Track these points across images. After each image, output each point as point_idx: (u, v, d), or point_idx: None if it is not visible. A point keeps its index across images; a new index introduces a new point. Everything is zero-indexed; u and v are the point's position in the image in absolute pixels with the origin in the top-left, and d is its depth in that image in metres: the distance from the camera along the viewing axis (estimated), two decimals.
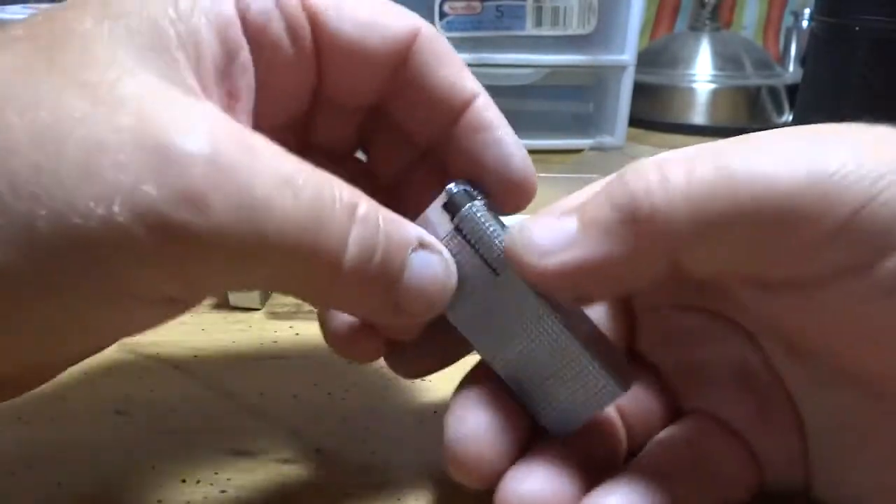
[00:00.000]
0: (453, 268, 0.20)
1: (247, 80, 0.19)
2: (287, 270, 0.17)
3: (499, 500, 0.19)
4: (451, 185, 0.21)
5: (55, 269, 0.15)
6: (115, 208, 0.14)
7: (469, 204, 0.20)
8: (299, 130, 0.24)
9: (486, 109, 0.22)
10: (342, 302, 0.20)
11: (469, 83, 0.22)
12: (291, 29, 0.20)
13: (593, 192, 0.19)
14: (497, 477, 0.20)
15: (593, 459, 0.21)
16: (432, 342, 0.23)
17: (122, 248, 0.15)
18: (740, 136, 0.18)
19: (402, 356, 0.24)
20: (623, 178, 0.18)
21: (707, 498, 0.20)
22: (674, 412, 0.23)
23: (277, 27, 0.20)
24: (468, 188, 0.21)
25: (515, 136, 0.23)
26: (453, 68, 0.22)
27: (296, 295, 0.19)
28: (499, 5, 0.59)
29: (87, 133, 0.14)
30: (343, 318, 0.22)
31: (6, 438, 0.25)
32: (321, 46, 0.21)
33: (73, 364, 0.20)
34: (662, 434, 0.22)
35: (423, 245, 0.19)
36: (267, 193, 0.16)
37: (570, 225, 0.18)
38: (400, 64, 0.22)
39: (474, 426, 0.20)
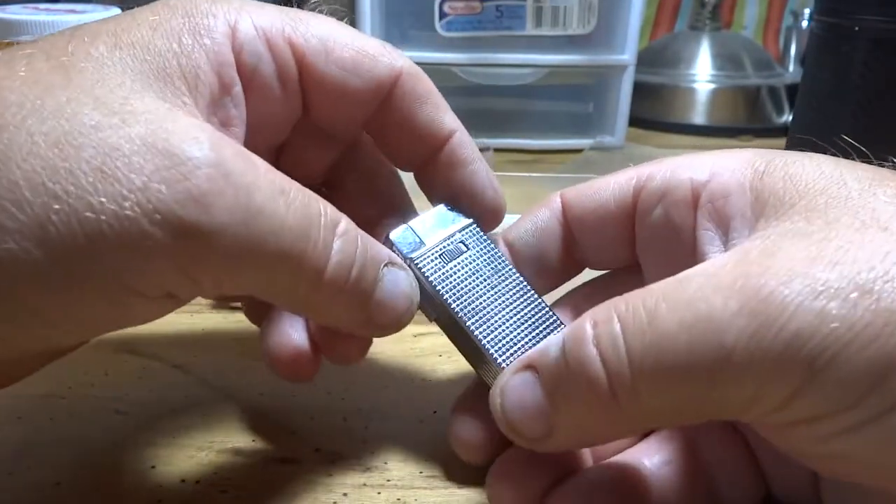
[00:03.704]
0: (416, 285, 0.22)
1: (239, 112, 0.21)
2: (275, 276, 0.18)
3: None
4: (391, 233, 0.23)
5: (68, 264, 0.16)
6: (127, 205, 0.16)
7: (407, 256, 0.23)
8: (272, 158, 0.25)
9: (462, 146, 0.24)
10: (319, 311, 0.21)
11: (448, 120, 0.24)
12: (280, 70, 0.22)
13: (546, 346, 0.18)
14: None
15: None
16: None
17: (131, 242, 0.16)
18: (673, 285, 0.17)
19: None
20: (573, 361, 0.17)
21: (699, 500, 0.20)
22: None
23: (267, 68, 0.22)
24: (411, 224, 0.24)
25: (488, 169, 0.25)
26: (434, 106, 0.24)
27: (278, 301, 0.21)
28: (499, 5, 0.59)
29: (102, 139, 0.16)
30: (285, 341, 0.23)
31: (6, 438, 0.25)
32: (308, 86, 0.23)
33: (55, 356, 0.21)
34: (663, 431, 0.22)
35: (391, 264, 0.21)
36: (264, 201, 0.17)
37: (543, 407, 0.18)
38: (383, 102, 0.23)
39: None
